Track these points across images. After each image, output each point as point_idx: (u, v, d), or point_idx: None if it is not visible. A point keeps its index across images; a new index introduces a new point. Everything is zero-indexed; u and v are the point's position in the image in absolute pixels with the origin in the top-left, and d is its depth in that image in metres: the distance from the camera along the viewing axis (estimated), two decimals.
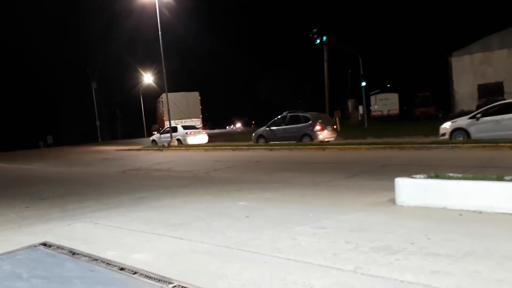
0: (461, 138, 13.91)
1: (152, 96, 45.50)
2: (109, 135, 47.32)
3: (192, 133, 21.87)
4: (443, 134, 14.56)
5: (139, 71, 45.31)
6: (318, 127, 18.01)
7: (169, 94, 24.06)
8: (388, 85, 53.70)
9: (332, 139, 18.86)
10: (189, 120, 26.29)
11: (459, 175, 5.69)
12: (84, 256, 4.17)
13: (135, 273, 3.58)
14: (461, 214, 4.98)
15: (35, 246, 4.70)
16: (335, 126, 18.88)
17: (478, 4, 69.65)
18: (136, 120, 54.98)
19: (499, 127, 13.27)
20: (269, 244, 4.19)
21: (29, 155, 28.73)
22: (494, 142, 11.75)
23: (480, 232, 4.23)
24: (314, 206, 6.01)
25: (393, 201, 5.80)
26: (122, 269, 3.70)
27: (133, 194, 8.31)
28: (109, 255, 4.16)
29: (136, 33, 41.38)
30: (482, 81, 31.71)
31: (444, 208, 5.25)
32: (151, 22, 27.64)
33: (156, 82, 42.88)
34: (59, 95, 46.44)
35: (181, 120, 25.22)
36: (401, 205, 5.63)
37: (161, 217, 5.89)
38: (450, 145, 12.92)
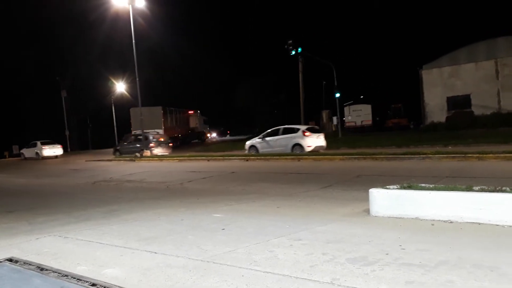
0: (253, 152, 19.45)
1: (125, 106, 44.80)
2: (79, 145, 46.06)
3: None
4: (247, 149, 20.01)
5: (111, 80, 44.60)
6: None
7: (136, 108, 26.60)
8: (362, 97, 54.93)
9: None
10: (153, 131, 28.82)
11: (431, 186, 5.83)
12: (53, 271, 3.99)
13: None
14: (433, 224, 5.09)
15: (0, 261, 4.47)
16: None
17: (447, 19, 72.54)
18: (108, 130, 53.92)
19: (273, 145, 19.03)
20: (246, 256, 4.14)
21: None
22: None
23: (451, 242, 4.33)
24: (290, 217, 6.01)
25: (367, 211, 5.87)
26: (93, 285, 3.56)
27: (104, 207, 8.09)
28: (80, 270, 4.00)
29: (110, 41, 40.92)
30: (451, 94, 32.82)
31: (417, 218, 5.35)
32: (125, 31, 27.35)
33: (128, 91, 42.29)
34: (27, 103, 45.00)
35: (145, 130, 27.93)
36: (376, 216, 5.71)
37: (134, 231, 5.74)
38: (421, 156, 13.27)
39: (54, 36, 41.99)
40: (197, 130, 41.85)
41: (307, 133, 18.60)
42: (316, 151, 18.40)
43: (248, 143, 20.79)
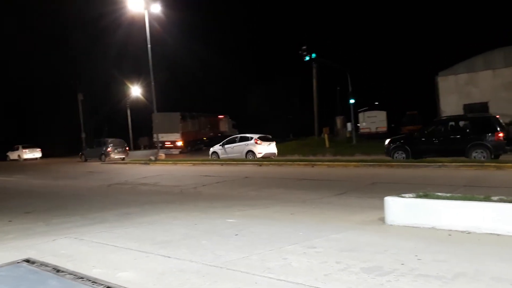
0: (215, 157, 21.81)
1: (140, 109, 45.32)
2: None
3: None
4: (210, 155, 22.50)
5: (127, 84, 45.15)
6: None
7: (157, 114, 29.59)
8: (376, 103, 54.39)
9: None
10: (171, 134, 32.44)
11: (448, 195, 5.73)
12: (69, 274, 4.04)
13: None
14: (450, 235, 5.00)
15: (18, 262, 4.54)
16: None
17: (464, 26, 71.66)
18: (123, 133, 54.57)
19: (230, 151, 21.40)
20: (259, 263, 4.12)
21: (11, 167, 28.17)
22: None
23: (469, 253, 4.24)
24: (304, 225, 5.98)
25: (382, 220, 5.80)
26: None
27: (119, 209, 8.17)
28: (95, 273, 4.04)
29: (126, 45, 41.36)
30: (467, 101, 32.26)
31: (433, 228, 5.26)
32: (140, 35, 27.69)
33: (144, 95, 42.77)
34: (43, 107, 45.84)
35: (163, 134, 30.91)
36: (391, 224, 5.63)
37: (148, 234, 5.78)
38: (437, 164, 13.07)
39: (71, 40, 42.75)
40: (226, 133, 42.41)
41: (258, 141, 20.81)
42: (267, 157, 20.28)
43: (211, 149, 23.14)
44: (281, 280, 3.62)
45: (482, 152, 13.93)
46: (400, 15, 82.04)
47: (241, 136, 22.21)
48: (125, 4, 24.59)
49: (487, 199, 5.29)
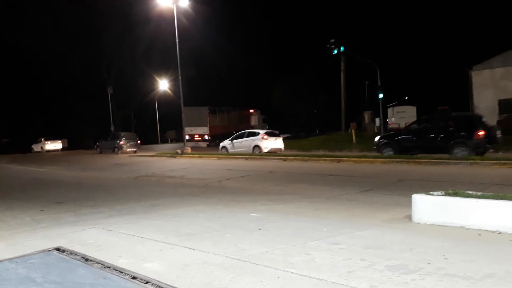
0: (225, 152, 22.56)
1: (168, 103, 45.93)
2: None
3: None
4: (220, 149, 23.42)
5: (155, 78, 45.83)
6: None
7: (187, 108, 31.00)
8: (406, 98, 53.14)
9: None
10: (199, 128, 34.55)
11: (478, 193, 5.55)
12: (97, 263, 4.17)
13: (147, 282, 3.56)
14: (479, 234, 4.85)
15: (49, 250, 4.72)
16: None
17: (498, 18, 68.75)
18: (151, 126, 55.55)
19: (238, 146, 22.14)
20: (282, 258, 4.13)
21: (42, 158, 29.18)
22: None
23: (499, 254, 4.11)
24: (328, 221, 5.93)
25: (409, 218, 5.69)
26: (134, 278, 3.69)
27: (146, 201, 8.34)
28: (122, 263, 4.15)
29: (154, 40, 41.76)
30: (503, 96, 31.09)
31: (462, 227, 5.11)
32: (168, 30, 28.00)
33: (171, 89, 43.30)
34: (74, 99, 47.13)
35: (193, 128, 33.39)
36: (418, 223, 5.51)
37: (173, 226, 5.88)
38: (469, 161, 12.67)
39: (100, 34, 43.53)
40: (256, 127, 43.60)
41: (265, 137, 21.58)
42: (273, 152, 20.95)
43: (221, 144, 23.97)
44: (304, 275, 3.61)
45: (463, 149, 14.43)
46: (431, 6, 79.57)
47: (249, 132, 23.29)
48: None
49: None
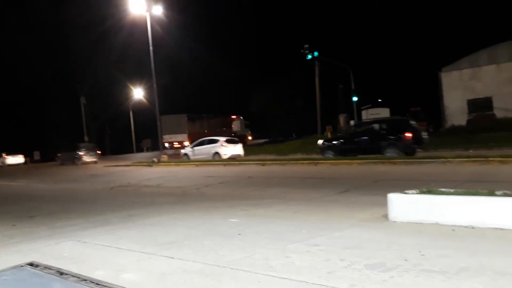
0: (186, 158, 23.27)
1: (143, 112, 45.41)
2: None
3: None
4: (182, 156, 24.27)
5: (129, 87, 45.23)
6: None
7: (165, 116, 32.26)
8: (379, 100, 54.18)
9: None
10: (179, 135, 34.93)
11: (451, 191, 5.70)
12: (73, 276, 4.04)
13: None
14: (453, 230, 4.96)
15: (22, 266, 4.55)
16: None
17: (467, 21, 71.28)
18: (126, 135, 54.71)
19: (199, 153, 22.90)
20: (262, 262, 4.11)
21: (15, 171, 28.32)
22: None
23: (473, 248, 4.21)
24: (307, 223, 5.96)
25: (386, 216, 5.78)
26: None
27: (122, 212, 8.19)
28: (98, 275, 4.04)
29: (128, 48, 41.38)
30: (471, 96, 32.15)
31: (436, 224, 5.23)
32: (143, 38, 27.76)
33: (146, 98, 42.81)
34: (48, 110, 46.09)
35: (172, 135, 34.30)
36: (394, 221, 5.61)
37: (151, 235, 5.78)
38: (441, 159, 13.02)
39: (72, 43, 42.78)
40: (239, 133, 45.32)
41: (224, 144, 22.51)
42: (233, 158, 21.64)
43: (182, 151, 25.07)
44: (284, 278, 3.60)
45: (393, 150, 15.81)
46: (402, 11, 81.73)
47: (209, 139, 24.11)
48: (127, 7, 24.66)
49: (491, 193, 5.25)
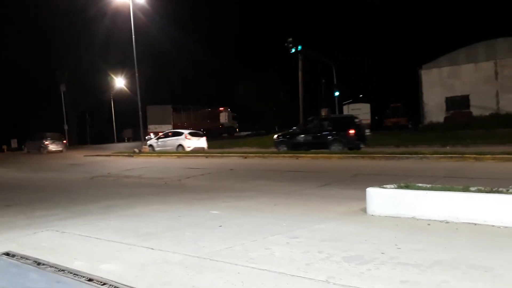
0: (151, 150, 23.56)
1: (124, 101, 44.76)
2: (77, 139, 45.88)
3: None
4: (147, 147, 24.03)
5: (111, 76, 44.47)
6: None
7: (152, 106, 33.76)
8: (361, 95, 54.81)
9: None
10: (164, 126, 34.52)
11: (428, 186, 5.85)
12: (50, 266, 4.01)
13: (104, 284, 3.47)
14: (429, 224, 5.11)
15: None
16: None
17: (446, 19, 72.44)
18: (107, 124, 53.86)
19: (164, 144, 23.45)
20: (242, 254, 4.16)
21: None
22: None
23: (447, 242, 4.35)
24: (287, 215, 6.03)
25: (364, 210, 5.90)
26: (90, 280, 3.58)
27: (102, 202, 8.11)
28: (77, 265, 4.02)
29: (110, 36, 40.53)
30: (449, 94, 32.84)
31: (413, 218, 5.37)
32: (125, 26, 27.26)
33: (128, 87, 42.18)
34: (26, 98, 44.89)
35: (157, 126, 34.55)
36: (372, 215, 5.73)
37: (132, 226, 5.76)
38: (419, 155, 13.30)
39: (53, 30, 41.64)
40: (227, 125, 46.59)
41: (188, 137, 23.07)
42: (196, 151, 21.98)
43: (148, 142, 25.18)
44: (264, 270, 3.66)
45: (338, 145, 17.21)
46: (384, 7, 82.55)
47: (174, 131, 24.87)
48: None
49: (465, 189, 5.42)
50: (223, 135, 44.30)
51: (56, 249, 4.70)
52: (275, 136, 20.34)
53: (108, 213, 6.85)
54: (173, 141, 23.32)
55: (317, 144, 17.60)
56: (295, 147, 18.12)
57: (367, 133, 18.36)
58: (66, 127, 40.30)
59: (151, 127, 33.78)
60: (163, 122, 35.20)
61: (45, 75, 43.03)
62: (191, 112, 40.92)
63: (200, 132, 24.68)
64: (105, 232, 5.42)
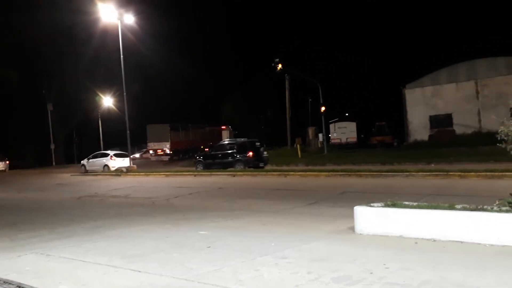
0: (83, 169, 26.41)
1: (112, 120, 44.46)
2: (64, 159, 45.25)
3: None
4: (81, 166, 27.22)
5: (99, 95, 44.22)
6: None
7: (151, 125, 36.36)
8: (347, 114, 55.53)
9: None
10: (162, 143, 36.83)
11: (414, 204, 5.91)
12: None
13: None
14: (416, 243, 5.15)
15: None
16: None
17: (429, 40, 74.60)
18: (94, 143, 53.26)
19: (93, 164, 26.37)
20: (231, 276, 4.13)
21: None
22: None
23: (435, 261, 4.39)
24: (276, 235, 6.02)
25: (352, 229, 5.92)
26: None
27: (88, 223, 7.98)
28: None
29: (99, 56, 40.61)
30: (433, 113, 33.43)
31: (401, 236, 5.41)
32: (114, 45, 27.33)
33: (117, 106, 41.98)
34: (12, 116, 44.21)
35: (156, 143, 36.63)
36: (360, 233, 5.75)
37: (118, 248, 5.68)
38: (405, 173, 13.45)
39: (41, 50, 41.49)
40: None
41: (113, 158, 26.12)
42: (125, 171, 23.53)
43: (82, 162, 27.80)
44: None
45: (240, 164, 20.27)
46: (369, 28, 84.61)
47: (101, 153, 28.16)
48: (98, 15, 24.22)
49: (451, 207, 5.49)
50: None
51: (41, 273, 4.60)
52: (196, 156, 24.01)
53: (94, 234, 6.74)
54: (101, 161, 26.34)
55: (225, 164, 20.62)
56: (208, 166, 21.13)
57: (265, 155, 21.59)
58: (52, 146, 39.79)
59: (150, 144, 36.40)
60: (161, 139, 36.97)
61: (32, 94, 42.61)
62: (190, 130, 42.34)
63: (125, 153, 27.48)
64: (91, 254, 5.33)
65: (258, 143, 21.82)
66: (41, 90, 42.02)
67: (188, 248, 5.43)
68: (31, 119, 43.03)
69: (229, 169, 19.64)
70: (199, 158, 22.74)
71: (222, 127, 48.62)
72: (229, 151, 21.20)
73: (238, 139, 24.09)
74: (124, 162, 25.63)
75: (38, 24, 39.68)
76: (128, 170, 22.67)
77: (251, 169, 20.27)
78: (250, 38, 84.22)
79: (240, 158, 20.50)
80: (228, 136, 47.70)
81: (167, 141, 37.68)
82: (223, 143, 23.16)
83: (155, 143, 36.61)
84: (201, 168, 21.46)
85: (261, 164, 20.60)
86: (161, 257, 5.04)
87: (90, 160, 26.91)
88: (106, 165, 25.74)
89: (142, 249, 5.49)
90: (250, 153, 20.52)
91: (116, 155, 26.79)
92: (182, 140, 39.36)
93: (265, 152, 21.82)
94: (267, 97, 59.64)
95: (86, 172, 25.94)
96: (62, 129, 45.01)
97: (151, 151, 36.42)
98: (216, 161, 21.20)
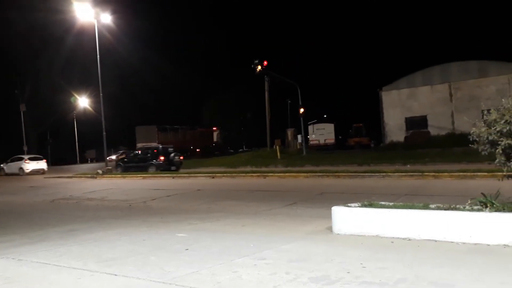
0: (3, 172, 29.22)
1: (88, 122, 43.61)
2: None
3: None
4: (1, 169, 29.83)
5: (74, 95, 43.29)
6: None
7: (140, 127, 37.83)
8: (325, 116, 56.14)
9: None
10: (150, 144, 37.10)
11: (391, 204, 6.02)
12: None
13: None
14: (392, 242, 5.24)
15: None
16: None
17: (405, 43, 76.24)
18: (69, 145, 52.16)
19: (11, 167, 29.04)
20: (209, 278, 4.10)
21: None
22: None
23: (410, 259, 4.47)
24: (254, 236, 6.02)
25: (330, 229, 5.98)
26: None
27: (63, 226, 7.79)
28: None
29: (74, 56, 39.84)
30: (409, 114, 34.15)
31: (377, 236, 5.49)
32: (90, 45, 26.79)
33: (93, 107, 41.19)
34: None
35: (144, 144, 36.52)
36: (338, 233, 5.81)
37: (94, 252, 5.56)
38: (382, 174, 13.68)
39: (14, 49, 40.40)
40: (219, 144, 50.24)
41: (27, 161, 28.89)
42: (36, 172, 27.99)
43: (1, 165, 29.80)
44: None
45: (153, 168, 22.60)
46: (347, 33, 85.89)
47: (18, 157, 30.15)
48: (74, 13, 23.74)
49: (425, 207, 5.61)
50: (215, 152, 46.48)
51: (12, 278, 4.45)
52: (119, 160, 26.20)
53: (69, 238, 6.58)
54: (17, 164, 28.84)
55: (141, 167, 22.79)
56: (127, 169, 23.27)
57: (177, 159, 23.50)
58: (25, 148, 38.71)
59: (138, 145, 37.07)
60: (149, 141, 37.54)
61: (3, 94, 41.38)
62: (179, 131, 42.75)
63: (40, 156, 30.36)
64: (65, 258, 5.20)
65: (171, 149, 24.25)
66: (13, 90, 40.84)
67: (166, 251, 5.36)
68: (3, 120, 41.76)
69: (172, 172, 21.11)
70: (119, 162, 25.62)
71: (214, 128, 49.61)
72: (144, 156, 23.92)
73: (153, 145, 26.62)
74: (39, 165, 28.79)
75: (11, 23, 38.63)
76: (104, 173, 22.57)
77: (230, 169, 20.25)
78: (230, 40, 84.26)
79: (153, 162, 22.99)
80: (219, 137, 49.40)
81: (155, 142, 37.75)
82: (140, 148, 25.91)
83: (144, 144, 36.80)
84: (121, 170, 23.68)
85: (173, 168, 22.66)
86: (138, 260, 4.96)
87: (9, 163, 29.51)
88: (21, 168, 28.43)
89: (118, 253, 5.39)
90: (162, 158, 22.91)
91: (30, 158, 29.70)
92: (171, 141, 39.05)
93: (177, 157, 23.73)
94: (246, 99, 59.77)
95: (5, 174, 28.59)
96: (36, 131, 43.86)
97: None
98: (133, 165, 23.51)
